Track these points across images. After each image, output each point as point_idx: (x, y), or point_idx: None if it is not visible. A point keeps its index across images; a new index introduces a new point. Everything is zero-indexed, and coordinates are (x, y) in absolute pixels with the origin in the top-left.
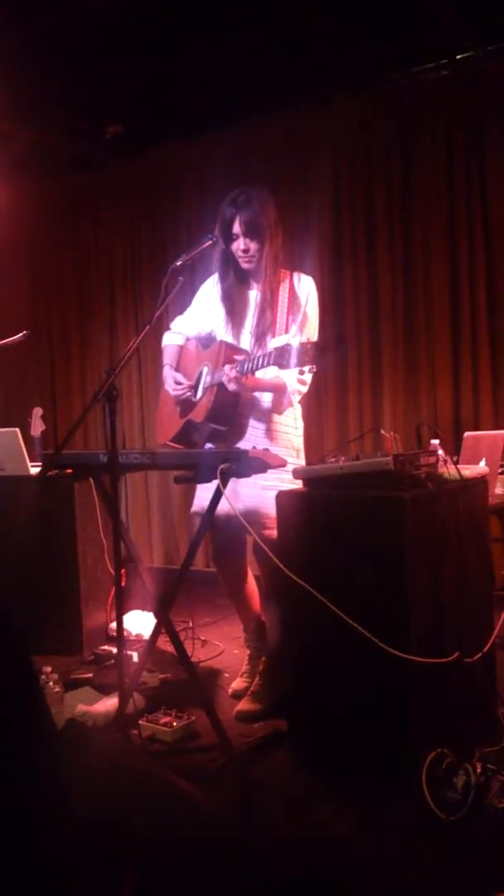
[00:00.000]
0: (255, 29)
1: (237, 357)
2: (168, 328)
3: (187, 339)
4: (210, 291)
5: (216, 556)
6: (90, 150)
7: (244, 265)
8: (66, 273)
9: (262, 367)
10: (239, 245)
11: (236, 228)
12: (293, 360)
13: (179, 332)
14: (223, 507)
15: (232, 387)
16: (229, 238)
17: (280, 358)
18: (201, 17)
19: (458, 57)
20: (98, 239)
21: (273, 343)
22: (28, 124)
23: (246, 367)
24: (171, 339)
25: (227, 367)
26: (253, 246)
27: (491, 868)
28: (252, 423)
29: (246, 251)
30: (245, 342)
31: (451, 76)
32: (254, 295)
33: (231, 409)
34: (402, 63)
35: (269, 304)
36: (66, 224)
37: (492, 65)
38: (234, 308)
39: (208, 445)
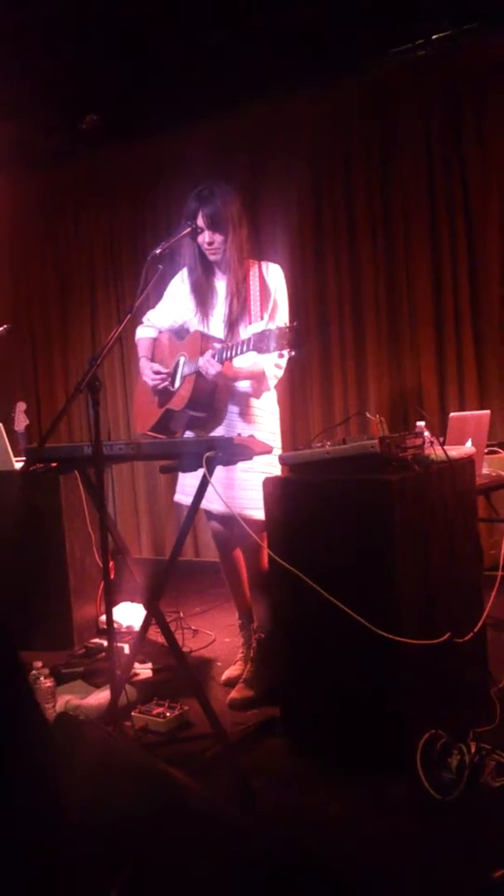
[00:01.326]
0: (232, 19)
1: (215, 345)
2: (140, 322)
3: (160, 332)
4: (181, 284)
5: (216, 539)
6: (68, 143)
7: (210, 257)
8: (47, 265)
9: (242, 353)
10: (204, 238)
11: (200, 222)
12: (272, 343)
13: (151, 325)
14: (214, 498)
15: (211, 374)
16: (195, 231)
17: (259, 343)
18: (178, 9)
19: (433, 38)
20: (78, 231)
21: (250, 329)
22: (5, 118)
23: (224, 354)
24: (145, 332)
25: (206, 354)
26: (217, 238)
27: (488, 847)
28: (231, 408)
29: (211, 243)
30: (217, 331)
31: (427, 57)
32: (222, 286)
33: (210, 396)
34: (378, 46)
35: (237, 293)
36: (46, 216)
37: (468, 44)
38: (204, 299)
39: (188, 433)
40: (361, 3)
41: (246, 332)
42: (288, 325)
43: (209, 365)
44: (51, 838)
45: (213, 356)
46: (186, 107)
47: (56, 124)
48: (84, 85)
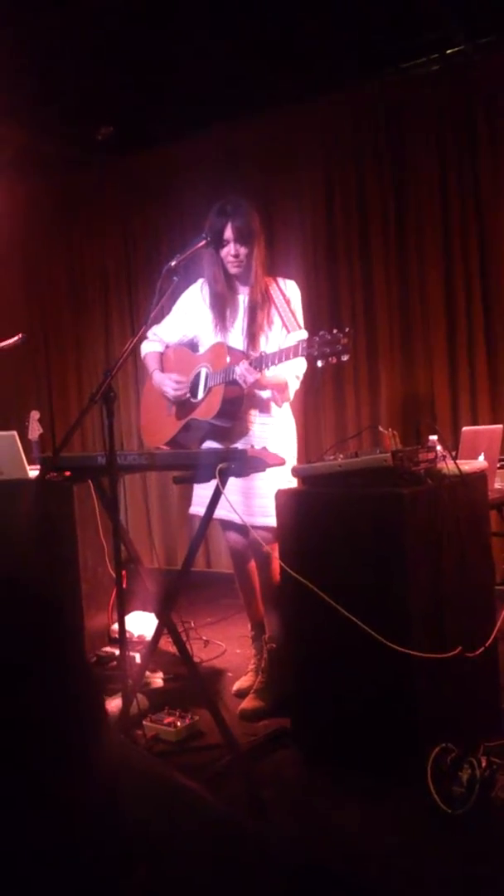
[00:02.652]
0: (245, 29)
1: (251, 353)
2: (146, 337)
3: (166, 347)
4: (194, 298)
5: (230, 548)
6: (82, 152)
7: (233, 270)
8: (61, 276)
9: (284, 360)
10: (230, 251)
11: (228, 234)
12: (325, 349)
13: (158, 340)
14: (226, 506)
15: (249, 381)
16: (219, 244)
17: (310, 348)
18: (191, 18)
19: (448, 52)
20: (92, 241)
21: (292, 337)
22: (20, 127)
23: (266, 362)
24: (151, 347)
25: (243, 362)
26: (243, 251)
27: (498, 860)
28: (255, 418)
29: (236, 256)
30: (236, 343)
31: (441, 71)
32: (242, 299)
33: (238, 406)
34: (392, 59)
35: (260, 305)
36: (60, 226)
37: (482, 59)
38: (223, 311)
39: (208, 443)
40: (375, 15)
41: (272, 343)
42: (340, 330)
43: (247, 373)
44: (68, 847)
45: (251, 364)
46: (200, 117)
47: (71, 134)
48: (98, 95)
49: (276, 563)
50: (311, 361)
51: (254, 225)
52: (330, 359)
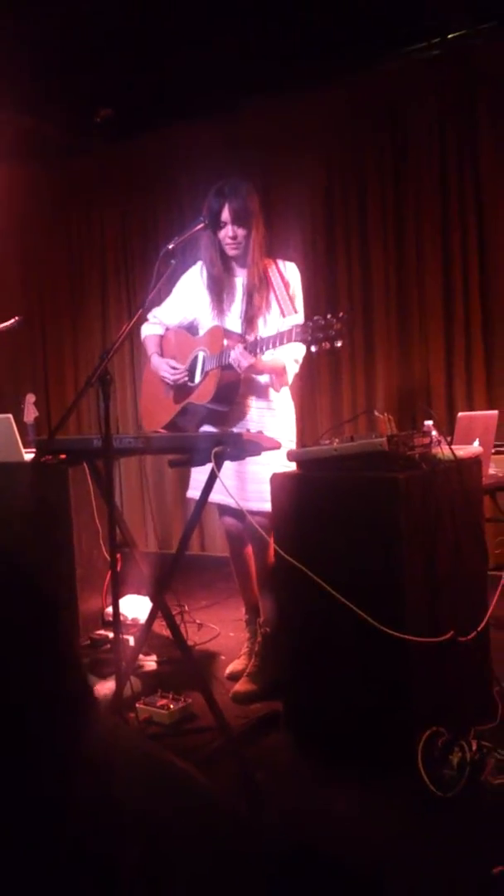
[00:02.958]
0: (246, 15)
1: (247, 338)
2: (146, 319)
3: (167, 329)
4: (194, 280)
5: (227, 532)
6: (81, 137)
7: (231, 251)
8: (58, 259)
9: (279, 345)
10: (227, 232)
11: (225, 216)
12: (318, 334)
13: (158, 322)
14: (222, 489)
15: (244, 366)
16: (217, 226)
17: (304, 334)
18: (194, 4)
19: (448, 36)
20: (90, 224)
21: (288, 321)
22: (19, 110)
23: (261, 346)
24: (151, 329)
25: (237, 347)
26: (241, 233)
27: (488, 843)
28: (252, 402)
29: (234, 238)
30: (233, 326)
31: (441, 56)
32: (240, 281)
33: (233, 391)
34: (392, 44)
35: (257, 288)
36: (58, 210)
37: (482, 43)
38: (221, 294)
39: (205, 427)
40: (376, 1)
41: (270, 326)
42: (334, 315)
43: (242, 357)
44: (62, 830)
45: (246, 348)
46: (199, 103)
47: (69, 118)
48: (97, 80)
49: (273, 548)
50: (305, 346)
51: (251, 206)
52: (323, 344)
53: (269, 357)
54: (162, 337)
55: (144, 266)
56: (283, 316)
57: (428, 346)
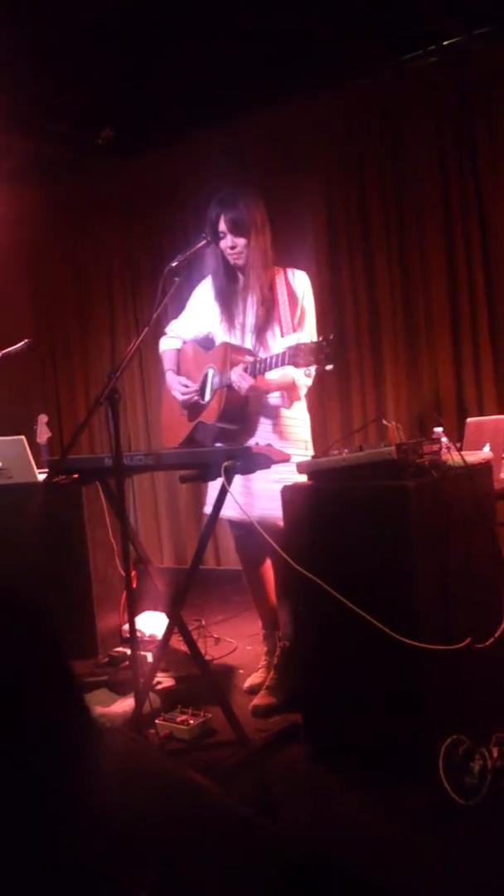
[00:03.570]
0: (241, 28)
1: (245, 358)
2: (164, 332)
3: (184, 343)
4: (206, 292)
5: (238, 549)
6: (84, 156)
7: (234, 261)
8: (65, 279)
9: (276, 366)
10: (227, 243)
11: (222, 226)
12: (309, 357)
13: (176, 335)
14: (235, 507)
15: (244, 388)
16: (217, 237)
17: (295, 357)
18: (188, 19)
19: (444, 43)
20: (95, 243)
21: (282, 342)
22: (21, 131)
23: (258, 368)
24: (169, 343)
25: (237, 368)
26: (240, 242)
27: None
28: (262, 420)
29: (233, 248)
30: (244, 340)
31: (438, 63)
32: (250, 295)
33: (241, 409)
34: (388, 52)
35: (264, 301)
36: (63, 230)
37: (477, 49)
38: (229, 307)
39: (218, 444)
40: (370, 9)
41: (276, 343)
42: (324, 338)
43: (242, 379)
44: (84, 846)
45: (246, 370)
46: (199, 117)
47: (71, 137)
48: (98, 97)
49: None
50: (298, 368)
51: (250, 215)
52: (315, 367)
53: (277, 374)
54: (180, 351)
55: (151, 284)
56: (282, 335)
57: (435, 352)
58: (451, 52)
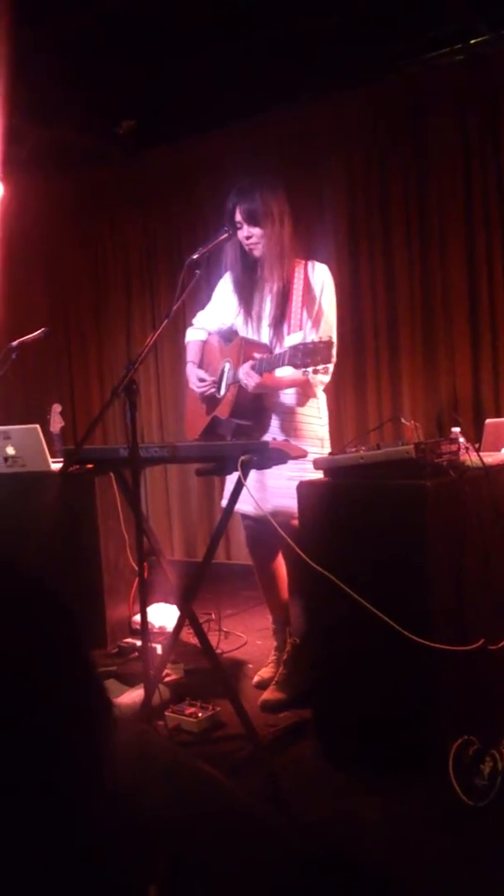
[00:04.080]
0: (267, 24)
1: (255, 354)
2: (190, 324)
3: (209, 334)
4: (228, 284)
5: (250, 544)
6: (104, 146)
7: (253, 252)
8: (82, 269)
9: (278, 366)
10: (243, 233)
11: (238, 217)
12: (307, 359)
13: (201, 327)
14: (251, 500)
15: (250, 386)
16: (234, 227)
17: (294, 358)
18: (213, 13)
19: (471, 42)
20: (113, 234)
21: (288, 340)
22: (42, 121)
23: (263, 366)
24: (194, 335)
25: (244, 366)
26: (255, 232)
27: None
28: (276, 416)
29: (248, 238)
30: (262, 333)
31: (464, 62)
32: (268, 288)
33: (254, 405)
34: (414, 51)
35: (280, 292)
36: (81, 220)
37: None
38: (248, 299)
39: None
40: (396, 7)
41: (287, 341)
42: (322, 340)
43: (247, 377)
44: (94, 836)
45: (253, 367)
46: (221, 111)
47: (92, 128)
48: (119, 89)
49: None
50: (297, 369)
51: (266, 206)
52: (313, 368)
53: (289, 371)
54: (205, 342)
55: (169, 276)
56: (289, 333)
57: (454, 351)
58: (477, 51)
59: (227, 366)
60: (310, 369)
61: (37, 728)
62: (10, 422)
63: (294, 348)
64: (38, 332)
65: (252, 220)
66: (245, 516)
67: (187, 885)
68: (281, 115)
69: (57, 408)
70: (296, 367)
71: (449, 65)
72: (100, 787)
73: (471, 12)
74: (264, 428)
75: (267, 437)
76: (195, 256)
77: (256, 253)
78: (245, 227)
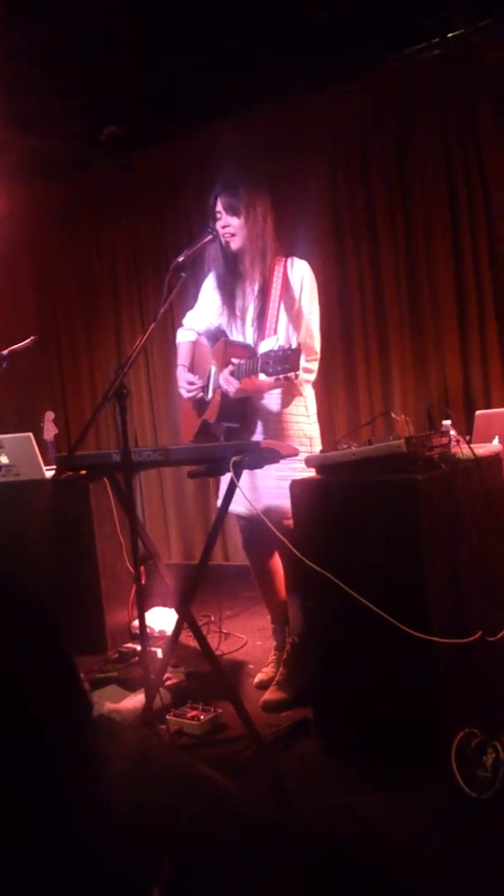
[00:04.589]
0: (246, 22)
1: (233, 360)
2: (180, 325)
3: (199, 335)
4: (211, 282)
5: (245, 545)
6: (88, 152)
7: (230, 245)
8: (70, 275)
9: (252, 373)
10: (221, 223)
11: (218, 207)
12: (277, 366)
13: (191, 328)
14: (245, 501)
15: (231, 392)
16: (215, 219)
17: (265, 366)
18: (193, 13)
19: (449, 35)
20: (99, 240)
21: (262, 346)
22: (25, 129)
23: (241, 372)
24: (184, 336)
25: (225, 371)
26: (233, 223)
27: None
28: (262, 418)
29: (225, 227)
30: (247, 332)
31: (443, 55)
32: (249, 286)
33: (240, 407)
34: (393, 45)
35: (262, 291)
36: (67, 226)
37: (484, 41)
38: (231, 296)
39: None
40: (375, 1)
41: (262, 345)
42: (289, 346)
43: (227, 384)
44: (97, 840)
45: (232, 373)
46: (203, 111)
47: (75, 133)
48: (102, 92)
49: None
50: (269, 377)
51: (247, 197)
52: (281, 375)
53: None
54: (195, 343)
55: (156, 279)
56: (264, 337)
57: (442, 344)
58: (457, 44)
59: (213, 369)
60: (281, 376)
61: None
62: (3, 430)
63: (265, 356)
64: (28, 340)
65: (231, 210)
66: (239, 517)
67: (190, 888)
68: (263, 113)
69: (50, 415)
70: (267, 374)
71: (428, 58)
72: (82, 792)
73: (450, 4)
74: (252, 429)
75: (257, 438)
76: (180, 259)
77: (233, 245)
78: (224, 216)
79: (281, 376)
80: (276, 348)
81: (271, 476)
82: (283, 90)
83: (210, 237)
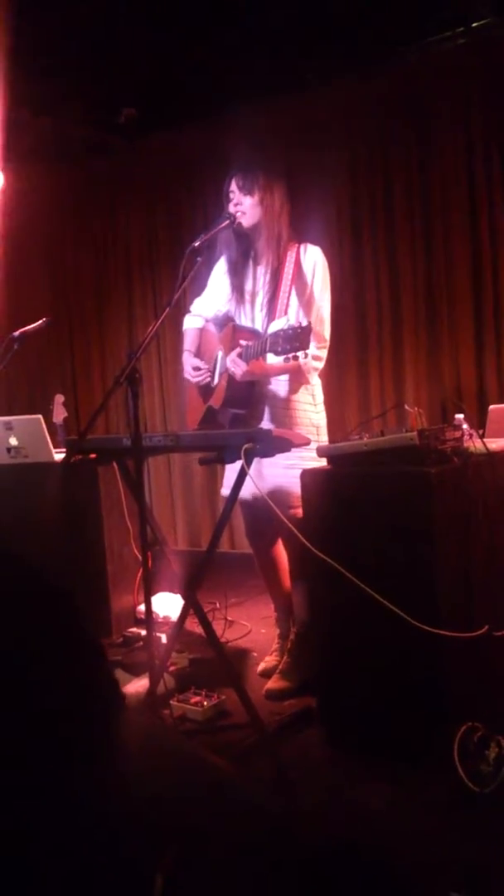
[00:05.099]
0: (267, 10)
1: (242, 342)
2: (188, 311)
3: (206, 321)
4: (221, 270)
5: (249, 533)
6: (104, 136)
7: (242, 221)
8: (84, 259)
9: (260, 354)
10: (233, 201)
11: (231, 187)
12: (286, 345)
13: (198, 314)
14: (250, 488)
15: (238, 374)
16: (228, 202)
17: (274, 345)
18: (211, 1)
19: (472, 25)
20: (114, 224)
21: (272, 327)
22: (42, 112)
23: (249, 354)
24: (191, 322)
25: (232, 353)
26: (245, 201)
27: None
28: (268, 404)
29: (237, 204)
30: (257, 316)
31: (466, 45)
32: (261, 270)
33: (247, 393)
34: (416, 34)
35: (274, 276)
36: (82, 210)
37: None
38: (241, 280)
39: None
40: None
41: (272, 325)
42: (300, 325)
43: (234, 366)
44: (101, 826)
45: (240, 355)
46: (222, 99)
47: (91, 117)
48: (119, 77)
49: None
50: (277, 356)
51: (262, 178)
52: (290, 354)
53: (279, 358)
54: (202, 330)
55: (170, 264)
56: (274, 318)
57: (457, 337)
58: (479, 34)
59: (220, 354)
60: (290, 356)
61: (45, 714)
62: (13, 412)
63: (274, 335)
64: (40, 321)
65: (245, 189)
66: (243, 503)
67: (192, 875)
68: (283, 101)
69: (60, 398)
70: (276, 353)
71: (450, 49)
72: (110, 772)
73: None
74: (259, 416)
75: (264, 426)
76: (196, 244)
77: (245, 224)
78: (237, 194)
79: (290, 355)
80: (285, 327)
81: (279, 464)
82: (302, 80)
83: (226, 223)
